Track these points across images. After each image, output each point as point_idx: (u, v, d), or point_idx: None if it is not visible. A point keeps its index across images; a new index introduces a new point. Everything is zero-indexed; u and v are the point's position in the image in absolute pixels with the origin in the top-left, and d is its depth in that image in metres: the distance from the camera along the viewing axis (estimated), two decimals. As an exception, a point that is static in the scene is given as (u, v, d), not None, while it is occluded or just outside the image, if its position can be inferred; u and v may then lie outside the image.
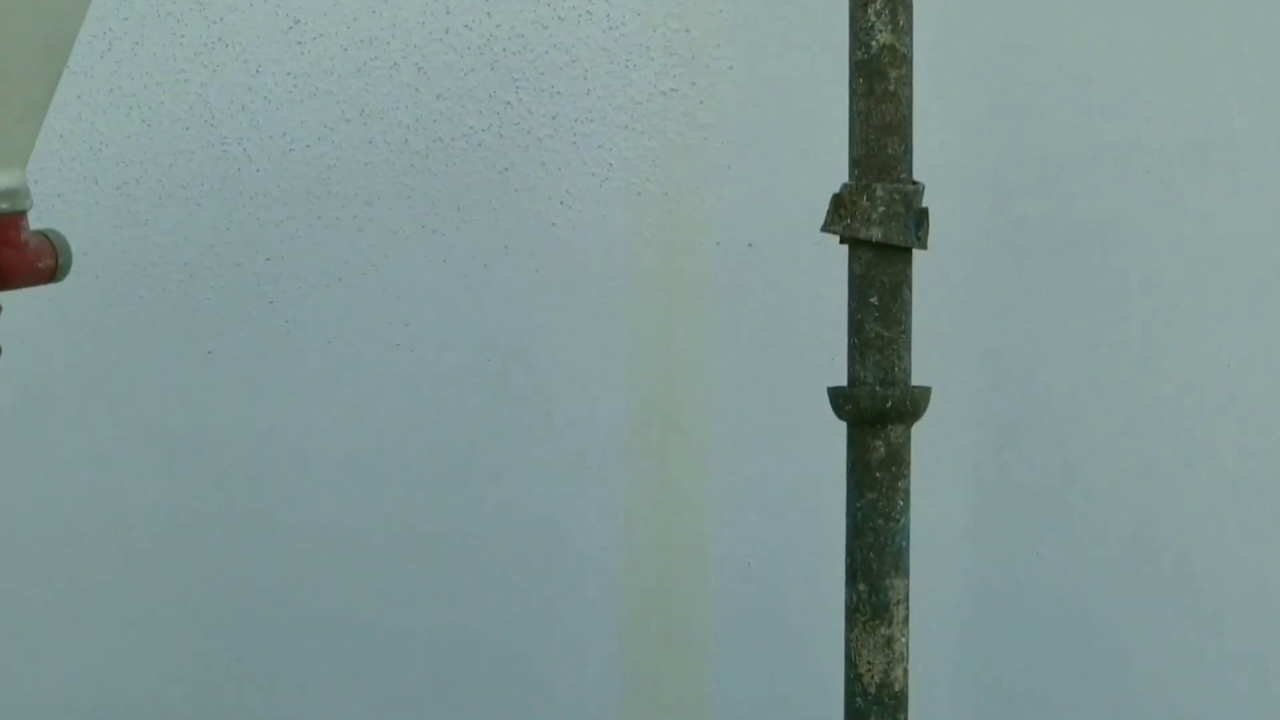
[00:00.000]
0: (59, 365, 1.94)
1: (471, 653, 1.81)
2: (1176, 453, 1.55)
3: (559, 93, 1.74)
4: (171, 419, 1.92)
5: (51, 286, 1.97)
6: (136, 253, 1.91)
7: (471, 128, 1.77)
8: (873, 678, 1.23)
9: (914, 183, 1.23)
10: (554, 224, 1.75)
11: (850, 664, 1.24)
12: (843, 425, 1.27)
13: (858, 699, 1.24)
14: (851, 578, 1.24)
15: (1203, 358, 1.54)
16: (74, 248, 1.99)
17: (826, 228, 1.23)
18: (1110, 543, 1.57)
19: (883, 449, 1.22)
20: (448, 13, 1.78)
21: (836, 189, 1.24)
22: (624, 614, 1.74)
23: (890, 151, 1.21)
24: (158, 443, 1.92)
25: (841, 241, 1.24)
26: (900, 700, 1.23)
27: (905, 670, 1.24)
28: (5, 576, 1.98)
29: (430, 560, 1.82)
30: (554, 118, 1.74)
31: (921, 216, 1.22)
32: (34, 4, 0.97)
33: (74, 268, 1.99)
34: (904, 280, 1.23)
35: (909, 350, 1.24)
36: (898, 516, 1.23)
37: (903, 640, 1.24)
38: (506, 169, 1.76)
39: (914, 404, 1.22)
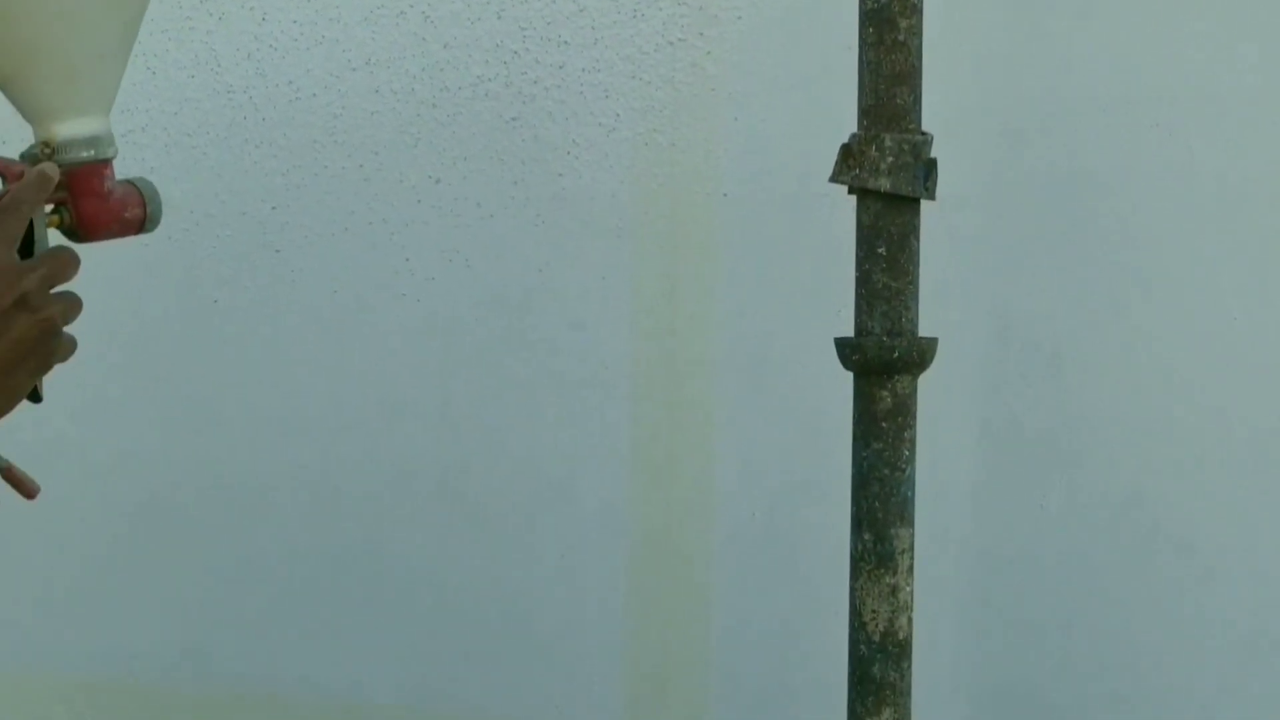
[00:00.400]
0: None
1: (477, 599, 1.82)
2: (1183, 406, 1.55)
3: (566, 42, 1.73)
4: (177, 367, 1.92)
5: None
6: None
7: (478, 77, 1.76)
8: (877, 626, 1.24)
9: (923, 133, 1.23)
10: (560, 174, 1.74)
11: (855, 613, 1.25)
12: (849, 376, 1.27)
13: (862, 647, 1.25)
14: (857, 527, 1.25)
15: (1211, 311, 1.54)
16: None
17: (835, 178, 1.23)
18: (1115, 495, 1.57)
19: (889, 399, 1.23)
20: (455, -39, 1.77)
21: (845, 139, 1.24)
22: (630, 563, 1.75)
23: (899, 102, 1.21)
24: (164, 391, 1.93)
25: (850, 192, 1.24)
26: (904, 649, 1.24)
27: (909, 619, 1.25)
28: (11, 526, 1.99)
29: (437, 507, 1.83)
30: (561, 67, 1.73)
31: (930, 167, 1.22)
32: None
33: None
34: (912, 231, 1.23)
35: (916, 301, 1.24)
36: (903, 466, 1.24)
37: (907, 589, 1.25)
38: (514, 118, 1.75)
39: (921, 355, 1.23)
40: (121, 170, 1.91)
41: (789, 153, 1.65)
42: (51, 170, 0.96)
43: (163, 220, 1.92)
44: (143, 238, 1.95)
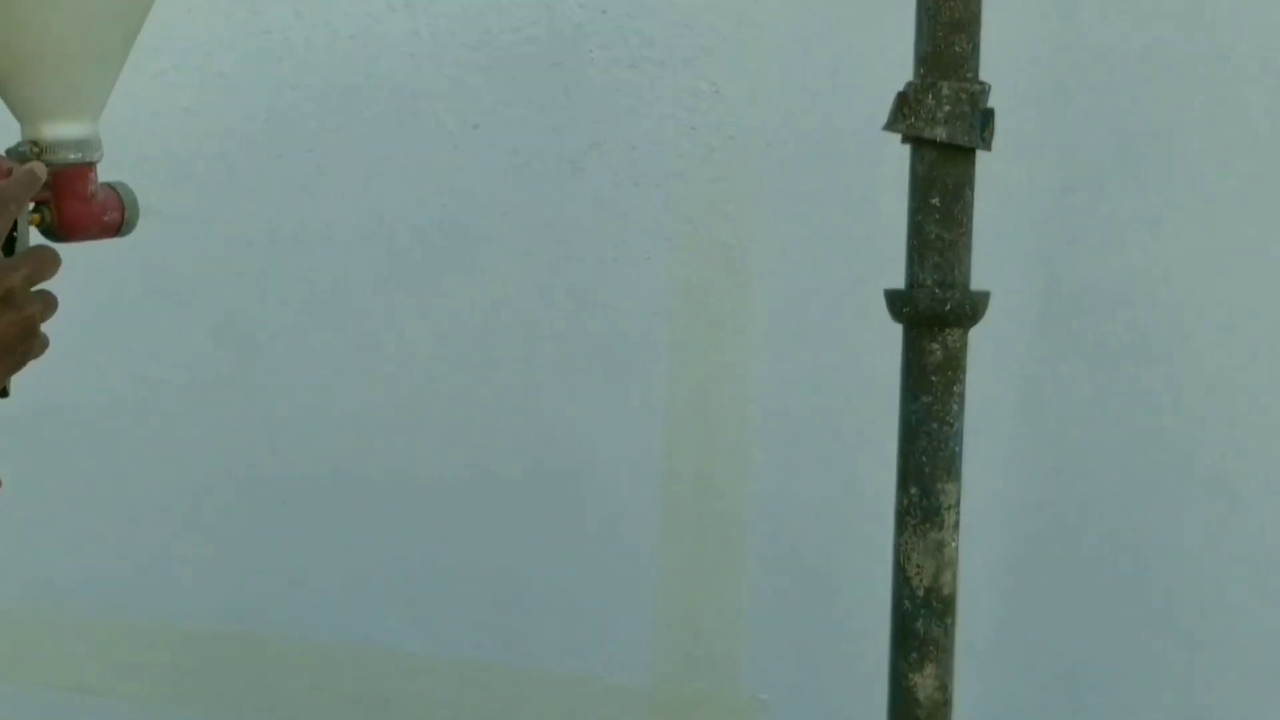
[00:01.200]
0: (93, 256, 1.93)
1: (511, 556, 1.82)
2: (1235, 364, 1.53)
3: (609, -14, 1.71)
4: (209, 313, 1.91)
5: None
6: (175, 141, 1.89)
7: (520, 20, 1.74)
8: (922, 581, 1.23)
9: (980, 82, 1.21)
10: (599, 121, 1.73)
11: (899, 568, 1.24)
12: (896, 329, 1.26)
13: (906, 602, 1.24)
14: (903, 481, 1.24)
15: (1263, 267, 1.52)
16: (112, 133, 1.98)
17: (890, 126, 1.21)
18: (1164, 454, 1.56)
19: (939, 352, 1.21)
20: (497, -98, 1.75)
21: (892, 89, 1.22)
22: (666, 517, 1.74)
23: (958, 49, 1.19)
24: (196, 336, 1.92)
25: (904, 141, 1.22)
26: (949, 604, 1.23)
27: (954, 575, 1.24)
28: (39, 460, 1.99)
29: (473, 462, 1.82)
30: (604, 12, 1.71)
31: (987, 117, 1.20)
32: None
33: (111, 156, 1.99)
34: (966, 181, 1.21)
35: (969, 253, 1.22)
36: (952, 421, 1.22)
37: (953, 545, 1.23)
38: (555, 64, 1.73)
39: (973, 308, 1.21)
40: (176, 108, 1.91)
41: (835, 102, 1.63)
42: (40, 170, 0.97)
43: (198, 167, 1.92)
44: (175, 178, 1.95)
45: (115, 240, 1.96)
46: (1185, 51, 1.51)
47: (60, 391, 1.97)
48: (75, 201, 1.00)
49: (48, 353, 1.91)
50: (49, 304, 0.97)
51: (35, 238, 0.99)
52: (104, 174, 1.96)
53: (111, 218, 1.03)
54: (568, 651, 1.79)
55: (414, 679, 1.87)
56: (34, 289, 0.95)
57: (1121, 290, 1.56)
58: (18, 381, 1.03)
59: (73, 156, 0.99)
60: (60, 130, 0.99)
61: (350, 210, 1.83)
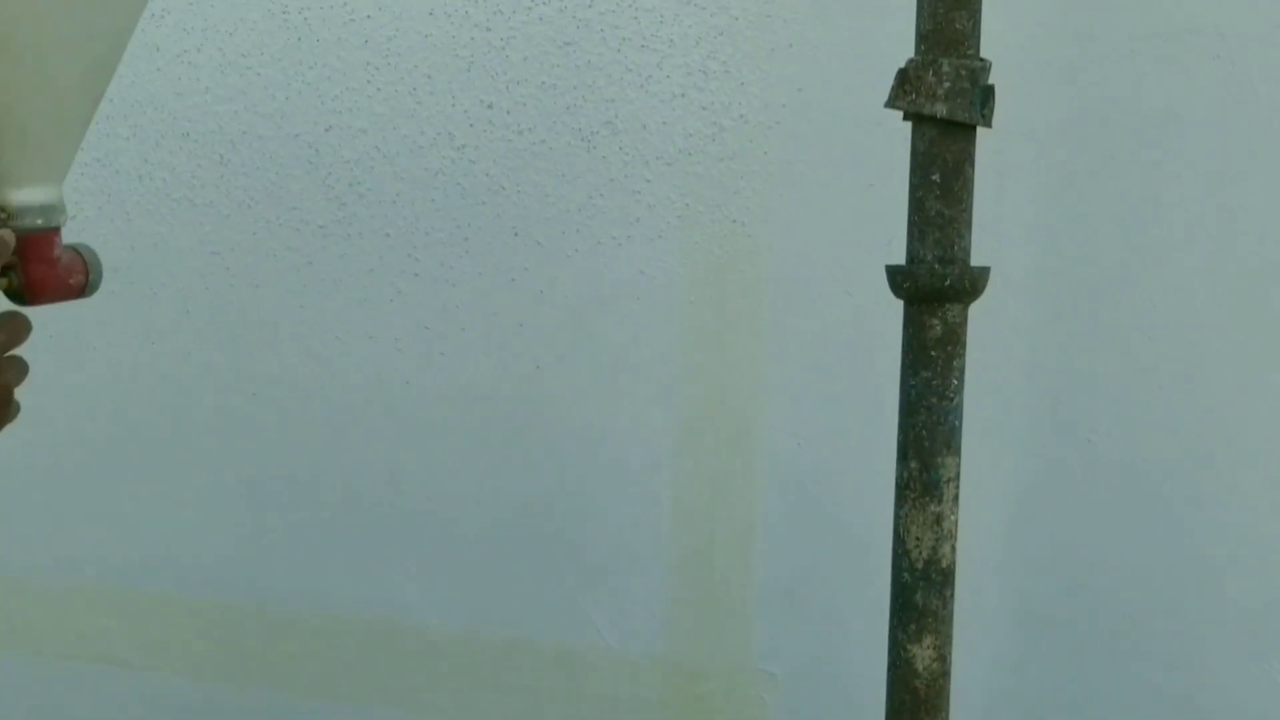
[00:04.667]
0: (111, 232, 1.96)
1: (524, 525, 1.83)
2: (1238, 340, 1.54)
3: (621, -34, 1.72)
4: (227, 288, 1.93)
5: (113, 153, 1.98)
6: (195, 119, 1.92)
7: (533, 0, 1.75)
8: (921, 554, 1.24)
9: (981, 59, 1.21)
10: (612, 100, 1.74)
11: (899, 540, 1.25)
12: (898, 304, 1.26)
13: (905, 574, 1.25)
14: (903, 455, 1.25)
15: (1269, 245, 1.52)
16: (133, 111, 2.00)
17: (891, 103, 1.22)
18: (1165, 428, 1.56)
19: (939, 327, 1.22)
20: (511, -117, 1.76)
21: (899, 67, 1.23)
22: (675, 489, 1.76)
23: (958, 26, 1.19)
24: (211, 311, 1.94)
25: (905, 118, 1.23)
26: (947, 577, 1.24)
27: (953, 548, 1.25)
28: (65, 434, 2.02)
29: (485, 431, 1.84)
30: (616, -9, 1.72)
31: (987, 94, 1.20)
32: (77, 27, 0.96)
33: (132, 133, 2.01)
34: (967, 158, 1.22)
35: (969, 229, 1.23)
36: (952, 395, 1.23)
37: (952, 518, 1.24)
38: (567, 43, 1.74)
39: (973, 283, 1.22)
40: (197, 88, 1.92)
41: (842, 80, 1.64)
42: (9, 237, 0.97)
43: (219, 141, 1.94)
44: (194, 156, 1.97)
45: (139, 215, 1.98)
46: (1187, 27, 1.51)
47: (79, 367, 2.00)
48: (42, 265, 1.01)
49: (73, 333, 1.93)
50: (21, 370, 0.97)
51: (0, 303, 1.00)
52: (136, 144, 1.99)
53: (77, 280, 1.04)
54: (582, 625, 1.81)
55: (431, 652, 1.89)
56: (5, 355, 0.95)
57: (1122, 266, 1.56)
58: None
59: (39, 221, 1.01)
60: (25, 195, 1.00)
61: (366, 187, 1.85)
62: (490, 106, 1.79)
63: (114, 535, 2.02)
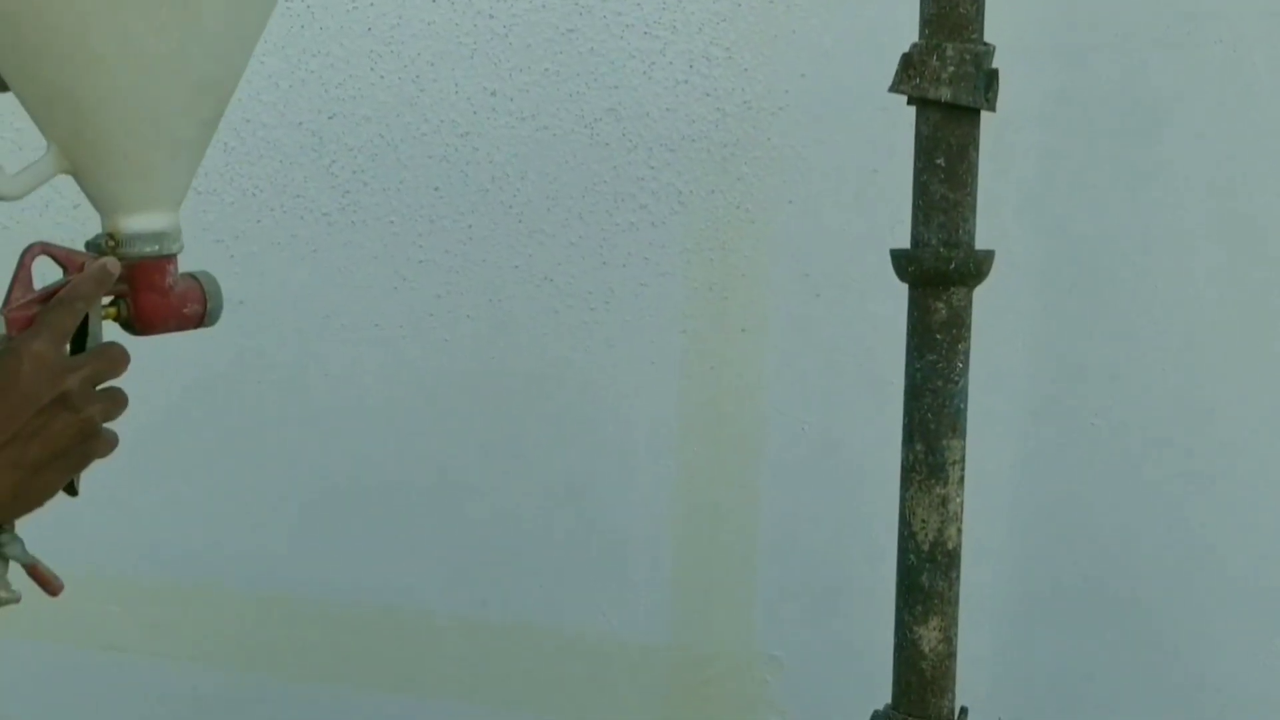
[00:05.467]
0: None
1: (529, 510, 1.84)
2: (1239, 324, 1.54)
3: (623, -47, 1.73)
4: (231, 276, 1.93)
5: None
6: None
7: (536, -13, 1.76)
8: (926, 536, 1.24)
9: (985, 44, 1.22)
10: (616, 86, 1.74)
11: (904, 522, 1.26)
12: (903, 288, 1.27)
13: (911, 556, 1.25)
14: (909, 438, 1.25)
15: (1271, 229, 1.53)
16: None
17: (895, 87, 1.22)
18: (1167, 410, 1.57)
19: (944, 311, 1.23)
20: None
21: (906, 49, 1.23)
22: (680, 474, 1.76)
23: (962, 11, 1.20)
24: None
25: (910, 102, 1.23)
26: (953, 558, 1.25)
27: (959, 530, 1.25)
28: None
29: (489, 415, 1.84)
30: (619, -22, 1.72)
31: (991, 78, 1.21)
32: (189, 45, 0.93)
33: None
34: (971, 142, 1.22)
35: (974, 213, 1.23)
36: (956, 378, 1.24)
37: (957, 500, 1.25)
38: (570, 30, 1.75)
39: (977, 267, 1.22)
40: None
41: (846, 66, 1.64)
42: (114, 266, 0.94)
43: (220, 125, 1.94)
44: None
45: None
46: (1189, 13, 1.51)
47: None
48: (153, 294, 0.98)
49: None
50: (115, 403, 0.94)
51: (111, 332, 0.97)
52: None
53: (193, 310, 1.00)
54: (589, 612, 1.82)
55: (437, 638, 1.90)
56: (99, 387, 0.92)
57: (1123, 249, 1.57)
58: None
59: (150, 249, 0.97)
60: (136, 223, 0.96)
61: (370, 177, 1.86)
62: (494, 93, 1.79)
63: (117, 522, 2.02)
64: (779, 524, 1.73)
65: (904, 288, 1.26)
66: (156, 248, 0.97)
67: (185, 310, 1.00)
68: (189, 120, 0.97)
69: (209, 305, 1.02)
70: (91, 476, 2.04)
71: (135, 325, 0.99)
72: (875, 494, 1.53)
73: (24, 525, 2.00)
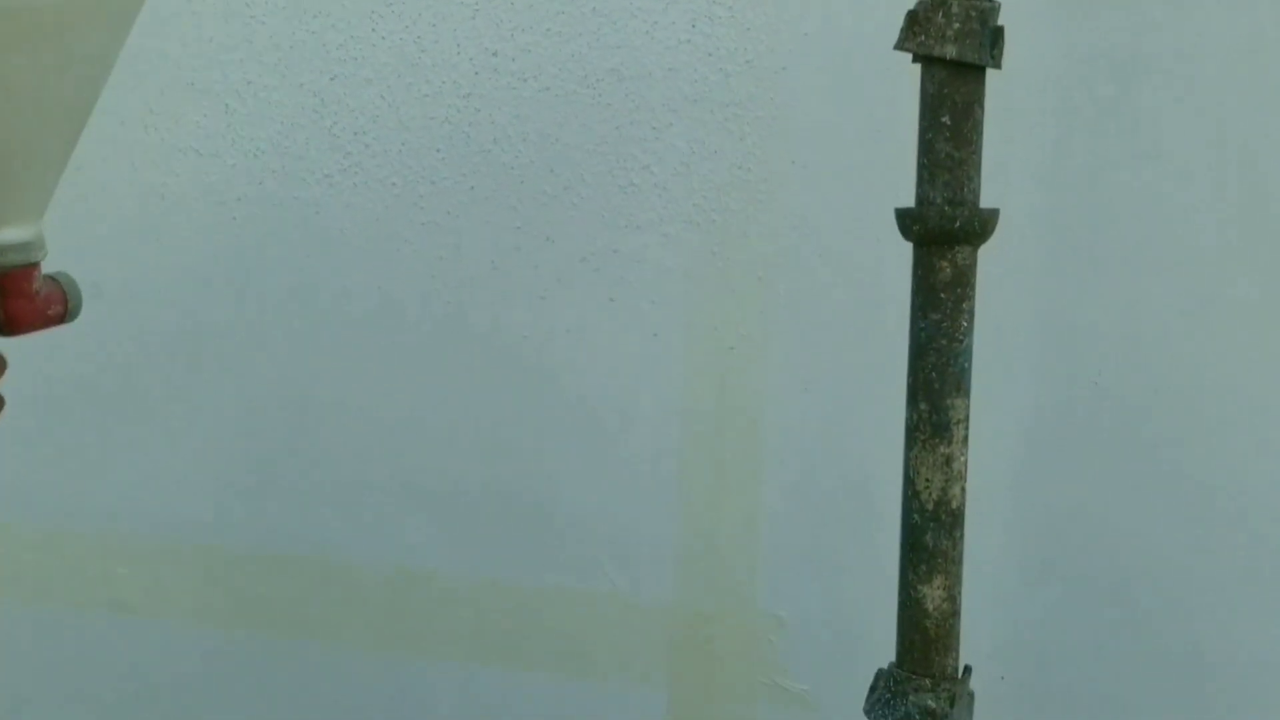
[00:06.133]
0: (116, 182, 1.96)
1: (532, 473, 1.84)
2: (1246, 280, 1.54)
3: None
4: (233, 238, 1.93)
5: (117, 103, 1.97)
6: (199, 69, 1.91)
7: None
8: (930, 495, 1.24)
9: (990, 0, 1.21)
10: (618, 47, 1.73)
11: (908, 482, 1.26)
12: (907, 247, 1.27)
13: (915, 516, 1.25)
14: (912, 397, 1.25)
15: (1275, 188, 1.52)
16: (137, 61, 1.99)
17: (900, 45, 1.22)
18: (1171, 371, 1.57)
19: (949, 270, 1.22)
20: None
21: (911, 6, 1.22)
22: (682, 436, 1.76)
23: (967, -33, 1.19)
24: (216, 261, 1.94)
25: (914, 60, 1.23)
26: (957, 518, 1.25)
27: (963, 489, 1.25)
28: (75, 383, 2.02)
29: (491, 377, 1.84)
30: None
31: (997, 35, 1.20)
32: (58, 67, 0.96)
33: (136, 83, 2.00)
34: (976, 100, 1.21)
35: (979, 171, 1.23)
36: (961, 337, 1.23)
37: (961, 459, 1.25)
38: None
39: (982, 225, 1.22)
40: (200, 37, 1.91)
41: (849, 24, 1.63)
42: None
43: (224, 90, 1.93)
44: (195, 108, 1.96)
45: (144, 165, 1.98)
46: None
47: (85, 315, 2.00)
48: (20, 300, 1.04)
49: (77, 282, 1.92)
50: None
51: None
52: (140, 94, 1.97)
53: (55, 310, 1.07)
54: (591, 571, 1.82)
55: (441, 598, 1.90)
56: None
57: (1127, 207, 1.57)
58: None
59: (17, 259, 1.03)
60: (4, 235, 1.02)
61: (371, 139, 1.85)
62: (495, 54, 1.78)
63: (122, 482, 2.02)
64: (781, 483, 1.73)
65: (908, 247, 1.26)
66: (23, 257, 1.03)
67: (49, 312, 1.07)
68: (56, 133, 1.02)
69: (69, 305, 1.09)
70: (105, 439, 2.05)
71: (5, 328, 1.05)
72: (878, 454, 1.53)
73: (41, 486, 1.99)
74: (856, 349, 1.67)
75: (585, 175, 1.76)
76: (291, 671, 1.98)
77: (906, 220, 1.24)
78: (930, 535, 1.25)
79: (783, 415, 1.71)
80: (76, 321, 2.00)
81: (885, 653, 1.27)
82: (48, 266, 1.08)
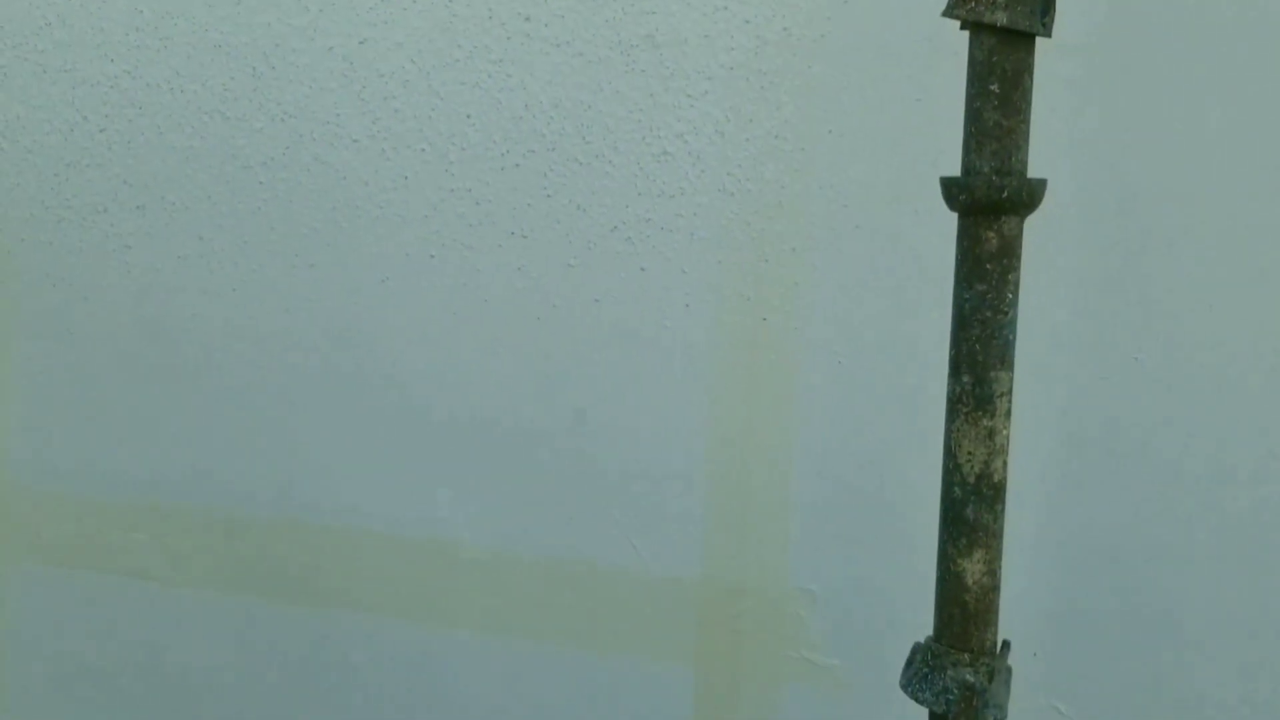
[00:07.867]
0: (142, 145, 1.94)
1: (559, 442, 1.83)
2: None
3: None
4: (260, 202, 1.92)
5: (143, 65, 1.94)
6: (227, 31, 1.89)
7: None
8: (972, 468, 1.23)
9: (1042, -33, 1.19)
10: (653, 11, 1.71)
11: (950, 454, 1.24)
12: (950, 217, 1.25)
13: (956, 489, 1.24)
14: (955, 369, 1.23)
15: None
16: (164, 23, 1.97)
17: (949, 12, 1.20)
18: (1213, 346, 1.55)
19: (995, 240, 1.21)
20: None
21: (951, -23, 1.21)
22: (713, 404, 1.75)
23: (1019, -67, 1.17)
24: (243, 225, 1.93)
25: (963, 27, 1.21)
26: (999, 491, 1.23)
27: (1005, 463, 1.24)
28: (96, 352, 2.01)
29: (516, 351, 1.83)
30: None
31: (1048, 3, 1.18)
32: None
33: (163, 45, 1.97)
34: (1026, 68, 1.19)
35: (1027, 140, 1.21)
36: (1006, 309, 1.22)
37: (1004, 433, 1.23)
38: (607, -46, 1.72)
39: (1030, 195, 1.20)
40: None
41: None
42: None
43: (251, 53, 1.90)
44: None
45: (170, 128, 1.96)
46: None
47: (108, 279, 1.99)
48: None
49: (99, 248, 1.91)
50: None
51: None
52: (166, 56, 1.94)
53: None
54: (619, 544, 1.81)
55: (465, 569, 1.89)
56: None
57: (1170, 180, 1.55)
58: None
59: None
60: None
61: (401, 104, 1.83)
62: (528, 19, 1.77)
63: (145, 449, 2.02)
64: (813, 456, 1.71)
65: (944, 219, 1.24)
66: None
67: None
68: None
69: None
70: (121, 408, 2.04)
71: None
72: (911, 427, 1.51)
73: (64, 461, 1.97)
74: (890, 321, 1.66)
75: (618, 143, 1.75)
76: (312, 640, 1.97)
77: (953, 190, 1.22)
78: (971, 509, 1.23)
79: (815, 388, 1.70)
80: (100, 294, 1.99)
81: (915, 628, 1.26)
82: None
